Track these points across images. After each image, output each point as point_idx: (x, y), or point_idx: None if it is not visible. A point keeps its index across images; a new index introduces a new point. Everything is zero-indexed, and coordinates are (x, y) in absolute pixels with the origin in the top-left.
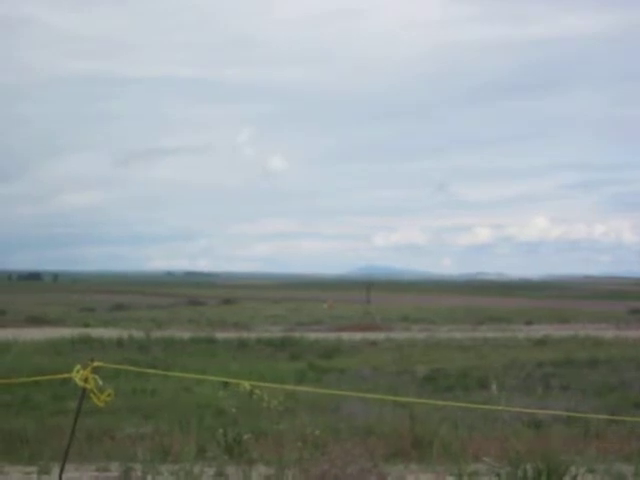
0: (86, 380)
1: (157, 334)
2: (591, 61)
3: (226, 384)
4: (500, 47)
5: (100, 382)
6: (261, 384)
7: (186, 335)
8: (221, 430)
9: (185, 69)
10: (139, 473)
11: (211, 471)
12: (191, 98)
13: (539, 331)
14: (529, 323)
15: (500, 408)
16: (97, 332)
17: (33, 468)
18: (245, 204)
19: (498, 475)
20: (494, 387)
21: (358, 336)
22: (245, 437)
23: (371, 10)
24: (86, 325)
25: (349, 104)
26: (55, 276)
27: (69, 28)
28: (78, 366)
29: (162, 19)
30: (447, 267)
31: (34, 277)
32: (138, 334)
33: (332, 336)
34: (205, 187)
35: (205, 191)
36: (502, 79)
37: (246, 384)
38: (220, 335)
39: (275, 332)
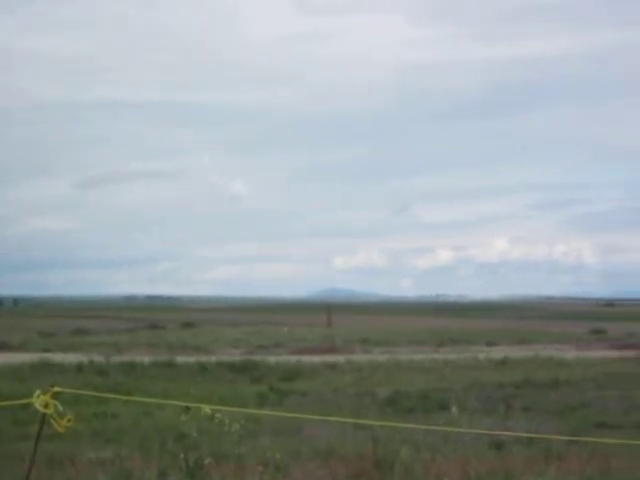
0: (46, 405)
1: (117, 358)
2: (556, 82)
3: (187, 408)
4: (464, 69)
5: (60, 407)
6: (222, 408)
7: (146, 359)
8: (182, 454)
9: (152, 92)
10: None
11: None
12: (158, 121)
13: (500, 352)
14: (490, 344)
15: (461, 430)
16: (57, 357)
17: None
18: (207, 228)
19: None
20: (454, 409)
21: (318, 359)
22: (206, 461)
23: (339, 32)
24: (46, 350)
25: (313, 126)
26: (15, 301)
27: (37, 50)
28: (38, 391)
29: (131, 41)
30: (407, 289)
31: None
32: (98, 358)
33: (293, 359)
34: (168, 211)
35: (168, 215)
36: (464, 101)
37: (207, 408)
38: (180, 359)
39: (236, 355)
